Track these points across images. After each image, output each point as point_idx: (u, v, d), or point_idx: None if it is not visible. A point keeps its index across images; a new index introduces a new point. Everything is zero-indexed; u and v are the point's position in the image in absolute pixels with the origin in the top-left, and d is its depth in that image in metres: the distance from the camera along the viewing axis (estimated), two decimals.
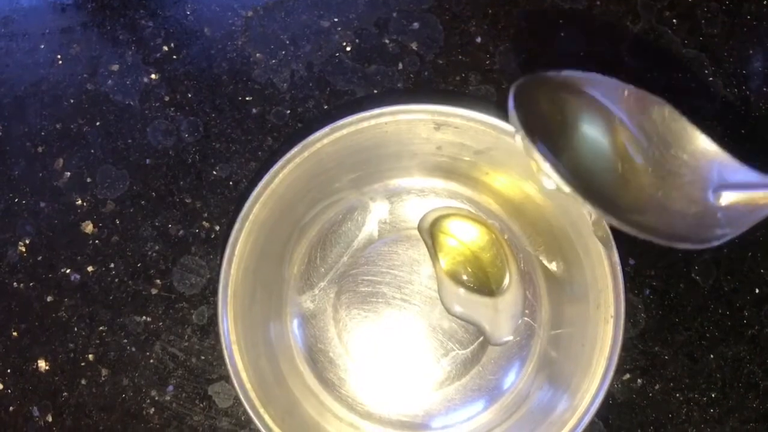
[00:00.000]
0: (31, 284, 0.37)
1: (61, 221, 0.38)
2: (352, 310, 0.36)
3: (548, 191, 0.30)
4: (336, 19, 0.40)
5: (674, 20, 0.40)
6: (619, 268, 0.31)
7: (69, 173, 0.38)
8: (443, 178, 0.37)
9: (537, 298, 0.36)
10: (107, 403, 0.36)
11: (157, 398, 0.36)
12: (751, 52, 0.40)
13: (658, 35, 0.40)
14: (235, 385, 0.31)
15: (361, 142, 0.33)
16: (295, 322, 0.36)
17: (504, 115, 0.30)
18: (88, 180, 0.38)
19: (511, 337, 0.35)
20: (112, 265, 0.37)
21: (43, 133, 0.39)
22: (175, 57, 0.40)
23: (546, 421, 0.32)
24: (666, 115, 0.28)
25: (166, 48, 0.40)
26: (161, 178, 0.38)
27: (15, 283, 0.37)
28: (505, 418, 0.35)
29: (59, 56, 0.40)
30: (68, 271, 0.37)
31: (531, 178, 0.33)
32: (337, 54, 0.39)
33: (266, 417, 0.31)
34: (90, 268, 0.37)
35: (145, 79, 0.39)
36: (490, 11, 0.40)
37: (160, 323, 0.37)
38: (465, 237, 0.36)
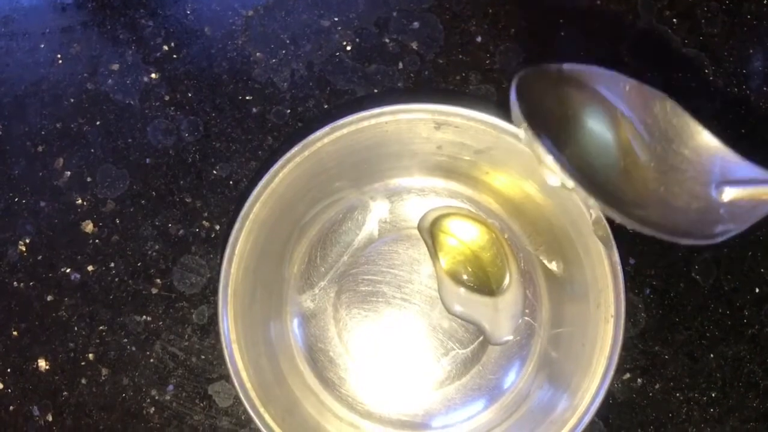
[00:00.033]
0: (31, 284, 0.37)
1: (61, 220, 0.38)
2: (352, 309, 0.36)
3: (549, 188, 0.30)
4: (336, 19, 0.40)
5: (674, 20, 0.40)
6: (619, 267, 0.31)
7: (69, 172, 0.38)
8: (443, 177, 0.37)
9: (537, 297, 0.36)
10: (107, 403, 0.36)
11: (157, 398, 0.36)
12: (751, 51, 0.40)
13: (658, 35, 0.40)
14: (236, 384, 0.31)
15: (361, 142, 0.33)
16: (296, 322, 0.36)
17: (505, 115, 0.29)
18: (89, 179, 0.38)
19: (511, 337, 0.35)
20: (112, 265, 0.37)
21: (43, 133, 0.39)
22: (175, 56, 0.40)
23: (546, 421, 0.32)
24: (668, 109, 0.28)
25: (166, 47, 0.40)
26: (161, 178, 0.38)
27: (15, 283, 0.37)
28: (505, 417, 0.35)
29: (59, 56, 0.40)
30: (68, 270, 0.37)
31: (531, 177, 0.33)
32: (338, 53, 0.39)
33: (266, 416, 0.31)
34: (90, 268, 0.37)
35: (146, 79, 0.39)
36: (490, 11, 0.40)
37: (160, 323, 0.37)
38: (465, 236, 0.36)
